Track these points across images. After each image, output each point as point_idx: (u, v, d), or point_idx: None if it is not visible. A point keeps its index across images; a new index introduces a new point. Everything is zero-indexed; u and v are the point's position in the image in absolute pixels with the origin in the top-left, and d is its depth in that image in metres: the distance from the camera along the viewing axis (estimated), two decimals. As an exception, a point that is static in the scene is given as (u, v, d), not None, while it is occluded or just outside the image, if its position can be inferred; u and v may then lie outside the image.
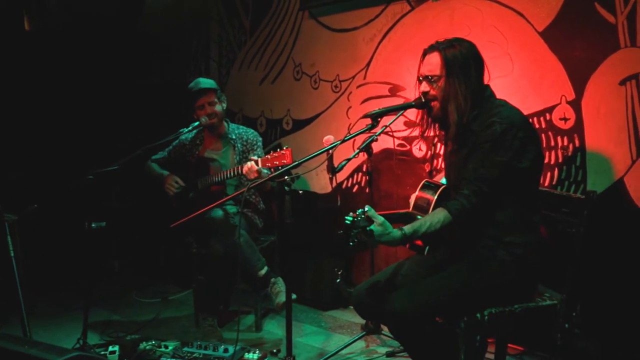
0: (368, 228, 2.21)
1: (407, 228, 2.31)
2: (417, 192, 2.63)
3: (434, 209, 2.50)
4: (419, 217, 2.50)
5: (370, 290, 2.57)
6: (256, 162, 3.36)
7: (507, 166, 2.29)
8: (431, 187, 2.61)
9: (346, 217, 2.20)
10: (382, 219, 2.25)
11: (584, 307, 2.45)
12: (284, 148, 3.17)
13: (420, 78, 2.51)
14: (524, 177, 2.34)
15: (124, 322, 4.05)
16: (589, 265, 2.54)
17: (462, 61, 2.40)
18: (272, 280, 3.56)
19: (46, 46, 5.21)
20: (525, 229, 2.39)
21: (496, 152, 2.30)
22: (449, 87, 2.41)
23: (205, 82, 3.89)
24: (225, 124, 3.97)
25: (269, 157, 3.23)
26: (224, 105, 3.93)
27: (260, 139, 4.02)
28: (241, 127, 4.06)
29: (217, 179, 3.73)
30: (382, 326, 3.62)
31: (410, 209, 2.62)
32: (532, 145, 2.34)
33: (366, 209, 2.22)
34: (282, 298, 3.46)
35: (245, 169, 3.39)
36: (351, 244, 2.20)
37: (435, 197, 2.53)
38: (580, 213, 2.44)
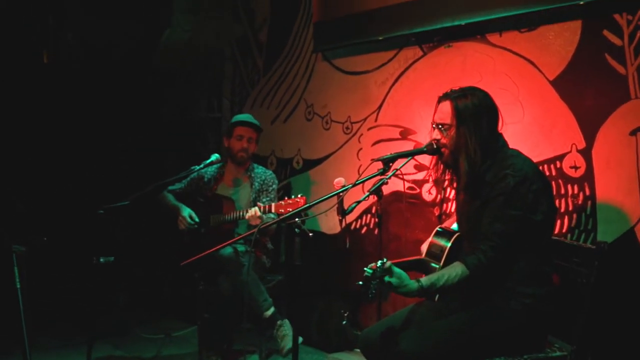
0: (386, 279, 2.22)
1: (425, 280, 2.30)
2: (430, 239, 2.63)
3: (447, 256, 2.49)
4: (432, 264, 2.50)
5: (379, 334, 2.55)
6: (267, 209, 3.43)
7: (522, 220, 2.30)
8: (445, 234, 2.61)
9: (366, 269, 2.21)
10: (399, 270, 2.27)
11: (594, 359, 2.41)
12: (299, 196, 3.21)
13: (434, 125, 2.53)
14: (537, 229, 2.34)
15: (127, 357, 4.02)
16: (599, 316, 2.51)
17: (473, 112, 2.41)
18: (279, 322, 3.53)
19: (62, 79, 5.29)
20: (536, 279, 2.37)
21: (510, 205, 2.30)
22: (459, 138, 2.42)
23: (256, 121, 4.00)
24: (249, 162, 4.04)
25: (282, 203, 3.26)
26: (256, 150, 4.04)
27: (277, 181, 4.09)
28: (260, 167, 4.14)
29: (229, 217, 3.74)
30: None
31: (423, 255, 2.62)
32: (544, 197, 2.35)
33: (385, 260, 2.24)
34: (288, 344, 3.42)
35: (248, 216, 3.41)
36: (370, 296, 2.20)
37: (449, 244, 2.53)
38: (591, 263, 2.42)
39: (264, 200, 3.93)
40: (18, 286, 3.41)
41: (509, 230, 2.30)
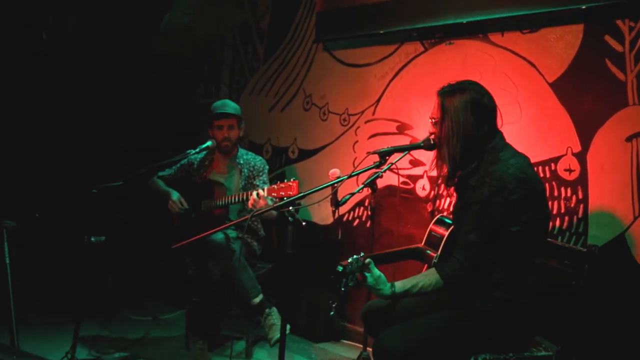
0: (365, 275, 2.29)
1: (399, 286, 2.34)
2: (431, 226, 2.65)
3: (445, 245, 2.51)
4: (428, 251, 2.52)
5: (381, 308, 2.60)
6: (264, 191, 3.36)
7: (495, 232, 2.28)
8: (444, 223, 2.63)
9: (338, 265, 2.24)
10: (378, 273, 2.33)
11: (579, 360, 2.44)
12: (292, 180, 3.19)
13: (430, 118, 2.54)
14: (515, 240, 2.30)
15: (114, 338, 4.02)
16: (586, 318, 2.53)
17: (458, 107, 2.36)
18: (267, 311, 3.54)
19: (59, 58, 5.25)
20: (517, 286, 2.35)
21: (485, 217, 2.28)
22: (443, 132, 2.41)
23: (232, 107, 3.96)
24: (236, 148, 4.00)
25: (275, 187, 3.24)
26: (242, 133, 3.99)
27: (267, 167, 4.06)
28: (250, 153, 4.10)
29: (221, 202, 3.73)
30: (373, 363, 3.59)
31: (422, 243, 2.63)
32: (529, 206, 2.28)
33: (366, 261, 2.29)
34: (276, 334, 3.43)
35: (251, 200, 3.38)
36: (343, 289, 2.24)
37: (447, 234, 2.55)
38: (581, 266, 2.44)
39: (258, 183, 3.93)
40: (7, 262, 3.41)
41: (483, 241, 2.29)
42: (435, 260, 2.56)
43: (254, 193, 3.36)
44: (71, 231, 4.29)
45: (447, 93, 2.42)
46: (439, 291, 2.34)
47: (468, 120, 2.35)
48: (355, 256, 2.27)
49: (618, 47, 3.07)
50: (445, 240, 2.58)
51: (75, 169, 5.05)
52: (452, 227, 2.61)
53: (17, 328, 3.29)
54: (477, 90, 2.42)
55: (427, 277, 2.36)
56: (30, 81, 5.01)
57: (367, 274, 2.30)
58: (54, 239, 4.80)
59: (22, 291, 3.83)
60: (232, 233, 3.78)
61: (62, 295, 4.59)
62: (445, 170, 2.55)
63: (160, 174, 4.08)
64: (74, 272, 4.40)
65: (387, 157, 2.60)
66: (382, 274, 2.33)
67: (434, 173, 2.66)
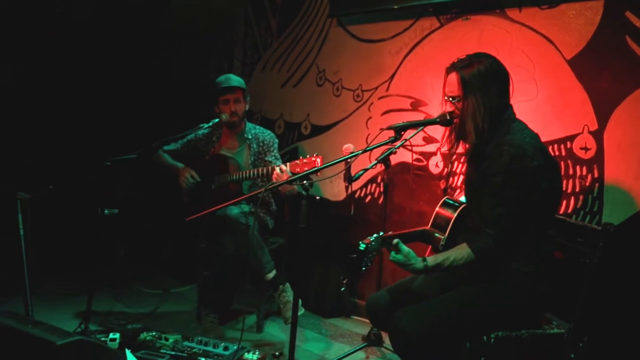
0: (392, 256, 2.29)
1: (430, 261, 2.34)
2: (437, 209, 2.63)
3: (452, 228, 2.50)
4: (436, 234, 2.51)
5: (385, 301, 2.58)
6: (287, 166, 3.35)
7: (521, 200, 2.28)
8: (451, 205, 2.61)
9: (360, 243, 2.24)
10: (407, 249, 2.31)
11: (591, 339, 2.42)
12: (315, 155, 3.19)
13: (446, 98, 2.51)
14: (536, 208, 2.32)
15: (126, 311, 4.06)
16: (599, 296, 2.52)
17: (480, 80, 2.37)
18: (281, 287, 3.56)
19: (72, 32, 5.24)
20: (533, 258, 2.38)
21: (508, 186, 2.28)
22: (468, 108, 2.40)
23: (236, 80, 3.92)
24: (243, 123, 3.98)
25: (298, 162, 3.23)
26: (247, 106, 3.96)
27: (277, 140, 4.03)
28: (258, 127, 4.07)
29: (236, 177, 3.72)
30: (383, 339, 3.60)
31: (429, 225, 2.62)
32: (546, 173, 2.31)
33: (394, 241, 2.29)
34: (289, 313, 3.45)
35: (274, 175, 3.36)
36: (364, 268, 2.24)
37: (455, 215, 2.53)
38: (595, 244, 2.42)
39: (271, 159, 3.91)
40: (21, 233, 3.43)
41: (511, 212, 2.29)
42: (443, 243, 2.55)
43: (277, 168, 3.34)
44: (85, 204, 4.31)
45: (465, 67, 2.39)
46: (470, 265, 2.34)
47: (492, 92, 2.36)
48: (375, 235, 2.27)
49: (639, 24, 3.01)
50: (453, 222, 2.56)
51: (89, 142, 5.06)
52: (460, 208, 2.59)
53: (31, 298, 3.32)
54: (493, 61, 2.42)
55: (459, 251, 2.35)
56: (44, 56, 5.00)
57: (397, 255, 2.30)
58: (68, 211, 4.83)
59: (37, 262, 3.88)
60: (245, 208, 3.78)
61: (75, 267, 4.63)
62: (466, 145, 2.54)
63: (166, 148, 4.04)
64: (87, 244, 4.43)
65: (402, 133, 2.58)
66: (411, 250, 2.33)
67: (446, 149, 2.63)
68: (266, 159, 3.92)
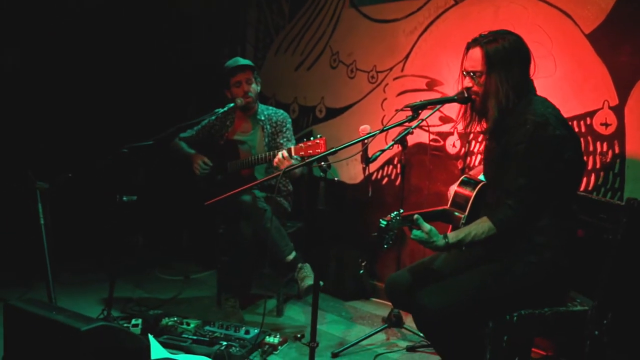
0: (413, 235, 2.28)
1: (452, 237, 2.32)
2: (455, 187, 2.60)
3: (472, 206, 2.47)
4: (456, 213, 2.49)
5: (406, 280, 2.57)
6: (288, 152, 3.34)
7: (544, 170, 2.26)
8: (470, 183, 2.58)
9: (381, 220, 2.22)
10: (429, 227, 2.30)
11: (615, 315, 2.40)
12: (318, 137, 3.16)
13: (464, 73, 2.48)
14: (561, 178, 2.30)
15: (147, 297, 4.09)
16: (623, 273, 2.49)
17: (504, 56, 2.34)
18: (299, 265, 3.57)
19: (86, 20, 5.24)
20: (557, 232, 2.35)
21: (532, 155, 2.26)
22: (490, 84, 2.37)
23: (244, 61, 3.92)
24: (256, 105, 3.97)
25: (302, 145, 3.21)
26: (259, 87, 3.95)
27: (290, 119, 4.02)
28: (270, 107, 4.07)
29: (246, 162, 3.72)
30: (404, 320, 3.60)
31: (448, 205, 2.60)
32: (569, 144, 2.29)
33: (415, 217, 2.27)
34: (308, 282, 3.47)
35: (276, 160, 3.35)
36: (385, 246, 2.22)
37: (474, 193, 2.51)
38: (619, 220, 2.39)
39: (282, 141, 3.91)
40: (42, 222, 3.46)
41: (533, 183, 2.27)
42: (463, 221, 2.52)
43: (279, 154, 3.33)
44: (103, 191, 4.33)
45: (489, 42, 2.37)
46: (491, 239, 2.32)
47: (515, 69, 2.35)
48: (395, 212, 2.25)
49: (659, -5, 2.95)
50: (473, 200, 2.54)
51: (107, 129, 5.08)
52: (479, 186, 2.56)
53: (54, 286, 3.36)
54: (517, 38, 2.40)
55: (479, 225, 2.34)
56: (57, 42, 5.01)
57: (418, 232, 2.28)
58: (87, 199, 4.86)
59: (58, 251, 3.91)
60: (258, 193, 3.78)
61: (95, 254, 4.67)
62: (477, 125, 2.52)
63: (182, 135, 4.06)
64: (106, 231, 4.46)
65: (419, 112, 2.55)
66: (433, 227, 2.31)
67: (462, 129, 2.60)
68: (278, 140, 3.91)
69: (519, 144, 2.29)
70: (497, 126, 2.40)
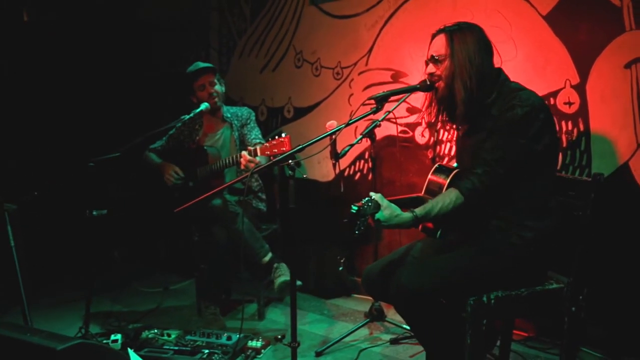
0: (376, 216, 2.21)
1: (419, 210, 2.30)
2: (429, 176, 2.61)
3: None
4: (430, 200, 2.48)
5: (380, 270, 2.56)
6: (250, 152, 3.33)
7: (524, 148, 2.28)
8: (444, 170, 2.59)
9: (352, 206, 2.20)
10: (387, 202, 2.25)
11: (591, 290, 2.42)
12: (283, 135, 3.15)
13: (427, 60, 2.49)
14: (539, 160, 2.32)
15: (126, 311, 4.03)
16: (595, 248, 2.52)
17: (467, 40, 2.39)
18: (275, 265, 3.55)
19: (44, 36, 5.17)
20: (538, 213, 2.37)
21: (515, 134, 2.28)
22: (454, 66, 2.39)
23: (204, 64, 3.92)
24: (222, 106, 3.97)
25: (267, 144, 3.21)
26: (224, 87, 3.94)
27: (253, 113, 4.06)
28: (233, 107, 4.10)
29: (215, 167, 3.70)
30: (385, 313, 3.60)
31: (422, 193, 2.60)
32: (549, 128, 2.33)
33: (372, 197, 2.22)
34: (282, 279, 3.45)
35: (242, 163, 3.34)
36: (357, 232, 2.19)
37: (448, 180, 2.51)
38: (587, 196, 2.41)
39: (246, 131, 3.92)
40: (12, 244, 3.39)
41: (509, 157, 2.29)
42: None
43: (242, 157, 3.32)
44: (73, 207, 4.27)
45: (454, 29, 2.41)
46: (459, 211, 2.32)
47: (479, 55, 2.38)
48: (367, 198, 2.23)
49: (611, -28, 2.99)
50: (447, 187, 2.54)
51: (71, 143, 5.00)
52: (453, 173, 2.56)
53: (29, 309, 3.29)
54: (481, 29, 2.45)
55: (446, 195, 2.34)
56: (18, 63, 4.93)
57: (379, 213, 2.24)
58: (57, 216, 4.79)
59: (31, 272, 3.85)
60: (229, 197, 3.75)
61: (70, 273, 4.60)
62: (445, 115, 2.53)
63: (152, 146, 4.05)
64: (80, 248, 4.40)
65: (384, 103, 2.55)
66: (392, 203, 2.28)
67: (428, 120, 2.61)
68: (244, 132, 3.91)
69: (504, 125, 2.31)
70: (476, 112, 2.40)
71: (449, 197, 2.32)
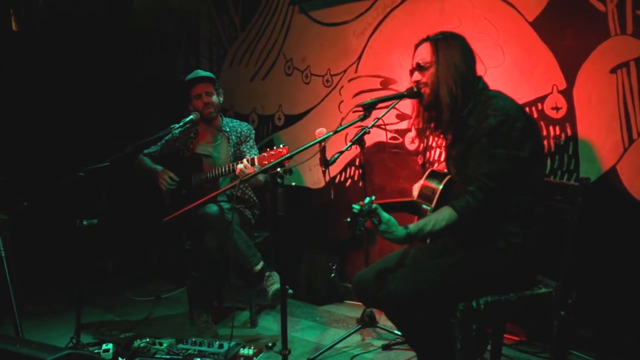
0: (374, 220, 2.23)
1: (412, 227, 2.30)
2: (422, 181, 2.62)
3: (439, 198, 2.48)
4: (424, 205, 2.49)
5: (371, 276, 2.56)
6: (251, 162, 3.33)
7: (508, 158, 2.28)
8: (437, 176, 2.60)
9: (353, 206, 2.20)
10: (387, 216, 2.26)
11: (579, 294, 2.44)
12: (281, 146, 3.17)
13: (412, 69, 2.52)
14: (525, 166, 2.33)
15: (118, 321, 4.02)
16: (583, 252, 2.54)
17: (451, 48, 2.43)
18: (267, 274, 3.55)
19: (34, 46, 5.17)
20: (526, 219, 2.37)
21: (494, 145, 2.28)
22: (440, 72, 2.42)
23: (204, 73, 3.91)
24: (219, 117, 3.96)
25: (265, 154, 3.22)
26: (221, 98, 3.94)
27: (254, 131, 4.03)
28: (234, 120, 4.07)
29: (210, 175, 3.70)
30: (377, 319, 3.61)
31: (415, 197, 2.61)
32: (530, 134, 2.33)
33: (373, 197, 2.23)
34: (274, 287, 3.45)
35: (238, 170, 3.35)
36: (358, 232, 2.20)
37: (441, 186, 2.51)
38: (575, 200, 2.42)
39: (245, 149, 3.91)
40: (3, 255, 3.38)
41: (496, 170, 2.29)
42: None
43: (240, 165, 3.33)
44: (63, 217, 4.26)
45: (438, 39, 2.45)
46: (453, 228, 2.31)
47: (463, 62, 2.41)
48: (368, 198, 2.23)
49: (596, -22, 3.03)
50: (440, 193, 2.55)
51: (61, 155, 4.99)
52: (447, 178, 2.57)
53: (20, 320, 3.28)
54: (463, 38, 2.49)
55: (440, 213, 2.33)
56: (7, 72, 4.93)
57: (376, 221, 2.24)
58: (48, 226, 4.77)
59: (22, 282, 3.83)
60: (226, 204, 3.76)
61: (62, 282, 4.58)
62: (432, 126, 2.55)
63: (146, 151, 4.03)
64: (71, 258, 4.38)
65: (372, 110, 2.57)
66: (391, 217, 2.28)
67: (417, 127, 2.63)
68: (241, 148, 3.91)
69: (481, 137, 2.32)
70: (455, 119, 2.42)
71: (442, 215, 2.32)
